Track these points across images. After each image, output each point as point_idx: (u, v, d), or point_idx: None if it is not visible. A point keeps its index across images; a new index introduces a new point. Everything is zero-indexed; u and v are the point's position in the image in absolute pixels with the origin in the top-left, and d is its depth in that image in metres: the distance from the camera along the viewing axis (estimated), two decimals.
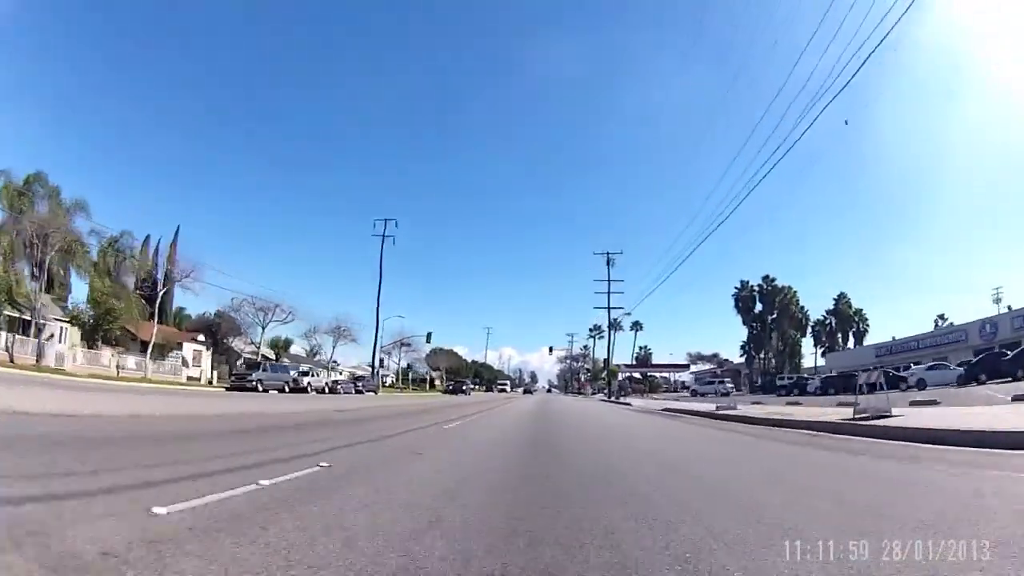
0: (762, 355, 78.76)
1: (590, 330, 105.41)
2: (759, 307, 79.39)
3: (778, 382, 43.28)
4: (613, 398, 40.95)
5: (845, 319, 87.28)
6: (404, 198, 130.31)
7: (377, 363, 54.62)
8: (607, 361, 49.94)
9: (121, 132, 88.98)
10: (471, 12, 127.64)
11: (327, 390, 38.19)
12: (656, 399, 41.76)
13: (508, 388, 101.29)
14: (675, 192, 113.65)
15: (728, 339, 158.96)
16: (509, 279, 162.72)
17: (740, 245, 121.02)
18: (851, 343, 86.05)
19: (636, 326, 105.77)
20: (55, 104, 71.44)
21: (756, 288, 79.77)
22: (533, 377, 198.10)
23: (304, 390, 35.66)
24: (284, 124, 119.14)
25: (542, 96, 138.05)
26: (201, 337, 48.89)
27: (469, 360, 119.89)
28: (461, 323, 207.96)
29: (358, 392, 43.01)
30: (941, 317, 76.29)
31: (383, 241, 56.31)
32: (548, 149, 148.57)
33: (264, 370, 32.82)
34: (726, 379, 51.65)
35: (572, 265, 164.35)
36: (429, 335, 54.61)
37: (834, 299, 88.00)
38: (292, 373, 37.48)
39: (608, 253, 46.23)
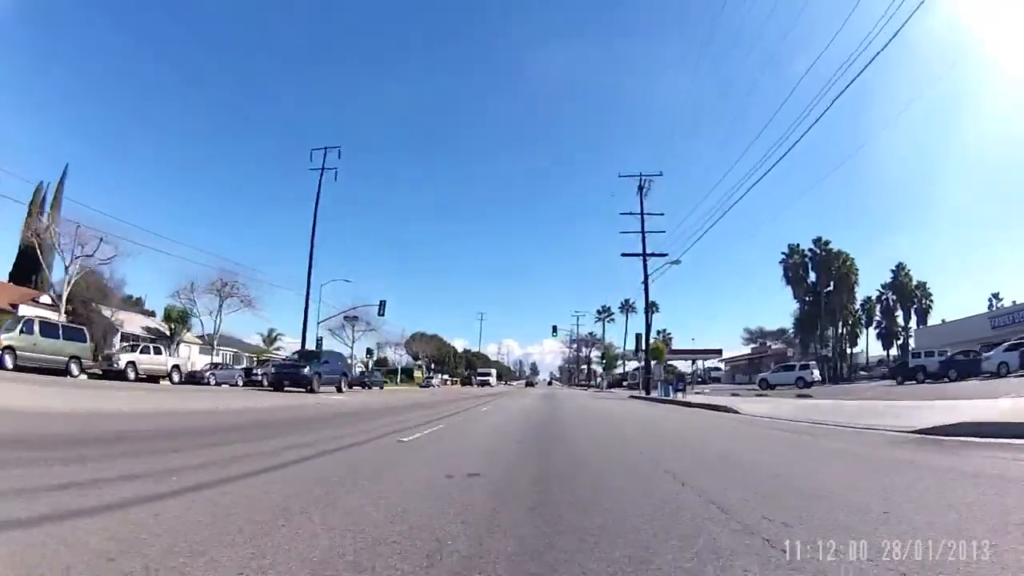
0: (819, 335, 63.28)
1: (599, 312, 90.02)
2: (812, 277, 63.83)
3: (912, 362, 27.84)
4: (659, 393, 25.38)
5: (905, 294, 72.16)
6: (406, 193, 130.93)
7: (313, 343, 39.02)
8: (642, 337, 33.91)
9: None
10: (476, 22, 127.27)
11: (178, 378, 22.66)
12: (710, 395, 26.51)
13: (494, 380, 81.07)
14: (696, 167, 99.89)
15: (767, 319, 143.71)
16: (511, 273, 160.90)
17: (770, 213, 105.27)
18: (913, 322, 71.60)
19: (652, 307, 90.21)
20: None
21: (807, 253, 64.19)
22: (534, 369, 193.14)
23: (123, 375, 20.17)
24: (292, 129, 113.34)
25: (548, 90, 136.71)
26: (46, 299, 33.45)
27: (460, 349, 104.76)
28: (464, 317, 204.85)
29: (251, 383, 27.48)
30: (995, 296, 69.13)
31: (321, 174, 41.00)
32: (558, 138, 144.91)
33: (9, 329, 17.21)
34: (810, 362, 36.10)
35: (577, 257, 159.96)
36: (382, 304, 39.26)
37: (892, 271, 72.81)
38: (98, 346, 22.16)
39: (641, 176, 30.70)
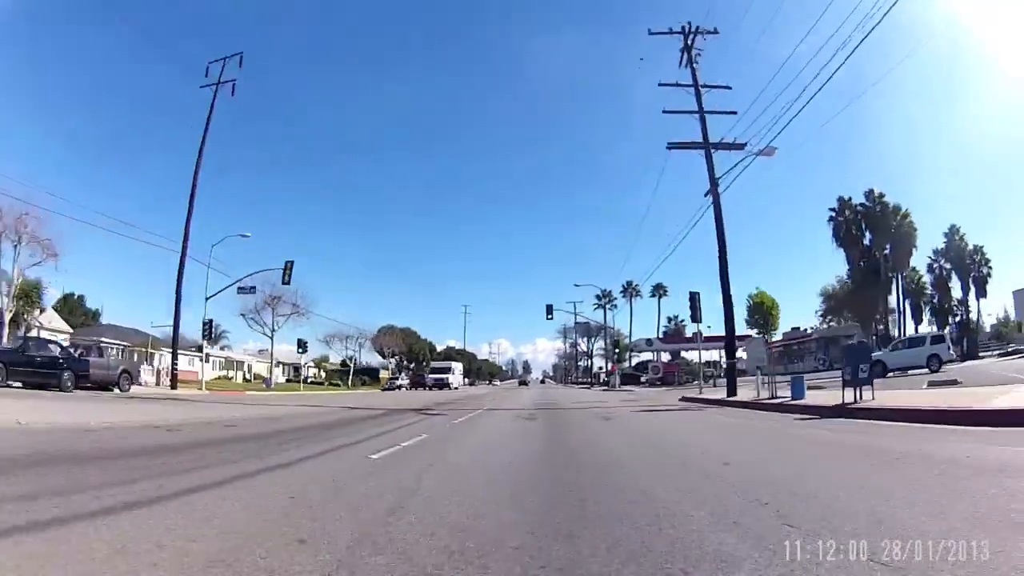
0: (882, 308, 51.33)
1: (598, 297, 77.12)
2: (868, 238, 51.67)
3: None
4: (773, 392, 12.58)
5: (960, 261, 60.68)
6: (405, 194, 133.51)
7: (200, 327, 26.46)
8: (697, 298, 20.59)
9: None
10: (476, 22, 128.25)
11: None
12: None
13: (456, 379, 55.36)
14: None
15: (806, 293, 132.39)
16: (507, 274, 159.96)
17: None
18: (972, 292, 60.43)
19: (659, 290, 77.89)
20: None
21: (859, 209, 52.04)
22: (526, 367, 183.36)
23: None
24: (292, 129, 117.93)
25: (547, 90, 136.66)
26: None
27: (441, 347, 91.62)
28: (458, 318, 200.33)
29: None
30: None
31: (215, 92, 28.54)
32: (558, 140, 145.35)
33: None
34: (943, 332, 23.68)
35: (574, 259, 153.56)
36: (288, 267, 26.45)
37: (944, 234, 61.06)
38: None
39: (687, 30, 18.10)
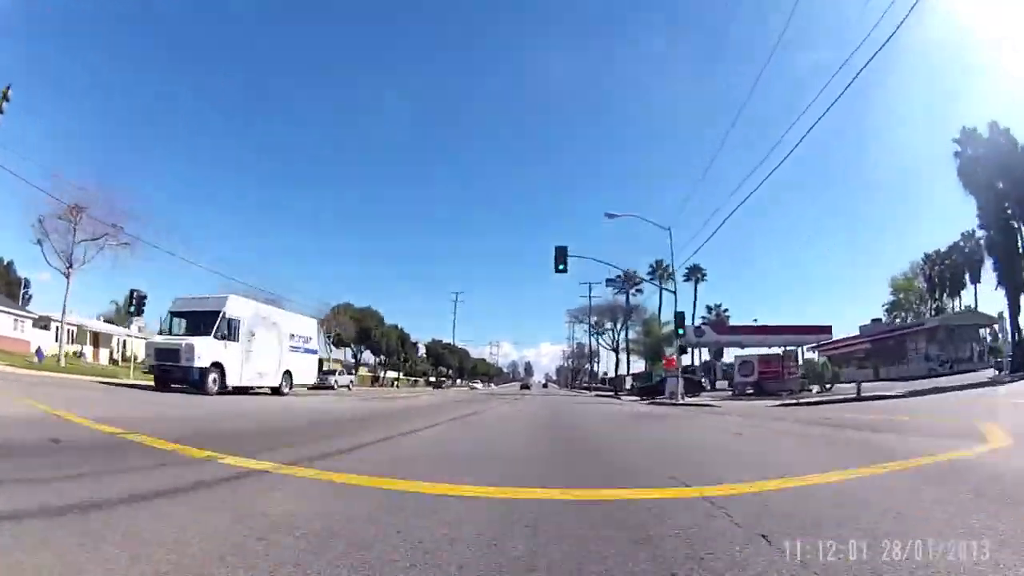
0: None
1: (619, 279, 62.44)
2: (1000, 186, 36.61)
3: None
4: None
5: None
6: (406, 199, 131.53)
7: None
8: None
9: None
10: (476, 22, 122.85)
11: None
12: None
13: (253, 363, 18.56)
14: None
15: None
16: (510, 278, 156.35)
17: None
18: None
19: (695, 273, 63.41)
20: None
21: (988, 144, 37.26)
22: (528, 369, 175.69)
23: None
24: (292, 129, 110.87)
25: (548, 90, 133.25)
26: None
27: (423, 341, 77.16)
28: (460, 322, 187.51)
29: None
30: None
31: None
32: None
33: None
34: None
35: (577, 260, 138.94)
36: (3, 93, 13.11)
37: None
38: None
39: None
